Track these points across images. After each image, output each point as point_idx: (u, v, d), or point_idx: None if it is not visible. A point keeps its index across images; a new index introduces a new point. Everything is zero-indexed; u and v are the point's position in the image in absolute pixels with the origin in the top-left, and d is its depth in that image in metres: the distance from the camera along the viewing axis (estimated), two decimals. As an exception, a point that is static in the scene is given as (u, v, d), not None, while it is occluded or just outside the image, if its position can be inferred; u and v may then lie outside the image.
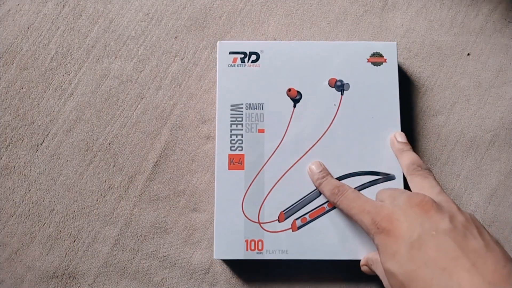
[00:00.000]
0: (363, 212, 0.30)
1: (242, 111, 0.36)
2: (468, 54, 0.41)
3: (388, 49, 0.37)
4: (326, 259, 0.34)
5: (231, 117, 0.36)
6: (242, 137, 0.36)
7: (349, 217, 0.33)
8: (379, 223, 0.28)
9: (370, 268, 0.33)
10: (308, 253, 0.35)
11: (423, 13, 0.41)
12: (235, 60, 0.37)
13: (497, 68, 0.40)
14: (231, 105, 0.36)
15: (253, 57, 0.37)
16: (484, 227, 0.28)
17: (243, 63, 0.37)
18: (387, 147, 0.36)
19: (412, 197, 0.28)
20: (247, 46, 0.37)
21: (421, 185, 0.31)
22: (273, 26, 0.41)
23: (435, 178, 0.32)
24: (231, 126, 0.36)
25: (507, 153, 0.39)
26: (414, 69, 0.40)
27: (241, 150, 0.36)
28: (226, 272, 0.38)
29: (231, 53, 0.37)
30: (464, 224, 0.27)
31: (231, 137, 0.36)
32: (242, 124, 0.36)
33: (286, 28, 0.41)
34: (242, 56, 0.37)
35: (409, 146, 0.35)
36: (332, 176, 0.35)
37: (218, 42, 0.37)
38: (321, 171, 0.35)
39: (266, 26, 0.41)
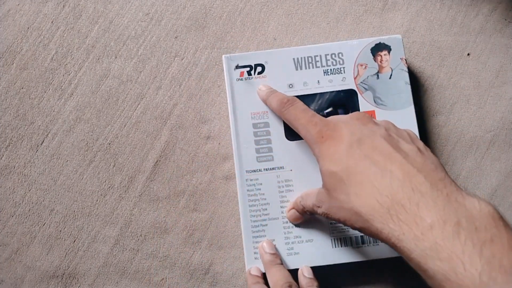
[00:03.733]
0: (311, 123, 0.31)
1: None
2: (468, 54, 0.41)
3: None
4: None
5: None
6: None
7: (294, 128, 0.33)
8: (324, 133, 0.30)
9: (299, 208, 0.34)
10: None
11: (423, 13, 0.41)
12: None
13: (497, 68, 0.40)
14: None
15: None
16: (420, 141, 0.30)
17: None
18: None
19: (353, 113, 0.31)
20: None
21: None
22: (273, 26, 0.41)
23: None
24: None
25: (507, 153, 0.39)
26: (414, 69, 0.40)
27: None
28: (226, 272, 0.38)
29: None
30: (398, 134, 0.29)
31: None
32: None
33: (286, 28, 0.41)
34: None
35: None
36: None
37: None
38: (269, 88, 0.36)
39: (266, 26, 0.41)
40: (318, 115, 0.32)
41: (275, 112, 0.35)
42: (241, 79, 0.37)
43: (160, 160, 0.39)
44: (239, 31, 0.41)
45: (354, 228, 0.28)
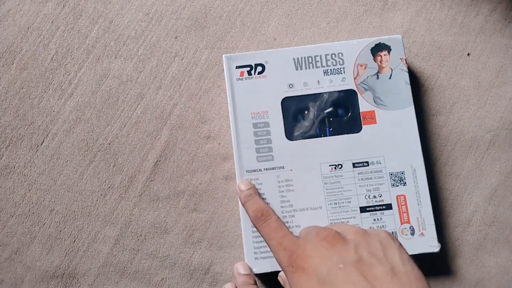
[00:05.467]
0: (281, 247, 0.30)
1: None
2: (468, 54, 0.41)
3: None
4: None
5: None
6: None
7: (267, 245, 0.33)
8: (294, 262, 0.28)
9: (284, 285, 0.34)
10: None
11: (423, 13, 0.41)
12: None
13: (497, 68, 0.40)
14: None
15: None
16: (395, 245, 0.28)
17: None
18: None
19: (320, 232, 0.29)
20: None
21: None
22: (273, 26, 0.41)
23: None
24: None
25: (507, 153, 0.39)
26: (414, 69, 0.40)
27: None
28: (226, 272, 0.38)
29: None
30: (370, 251, 0.27)
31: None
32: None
33: (286, 28, 0.41)
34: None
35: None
36: (260, 196, 0.35)
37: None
38: (249, 189, 0.35)
39: (266, 26, 0.41)
40: (290, 234, 0.31)
41: (251, 220, 0.34)
42: (241, 79, 0.37)
43: (160, 160, 0.39)
44: (239, 31, 0.41)
45: None
